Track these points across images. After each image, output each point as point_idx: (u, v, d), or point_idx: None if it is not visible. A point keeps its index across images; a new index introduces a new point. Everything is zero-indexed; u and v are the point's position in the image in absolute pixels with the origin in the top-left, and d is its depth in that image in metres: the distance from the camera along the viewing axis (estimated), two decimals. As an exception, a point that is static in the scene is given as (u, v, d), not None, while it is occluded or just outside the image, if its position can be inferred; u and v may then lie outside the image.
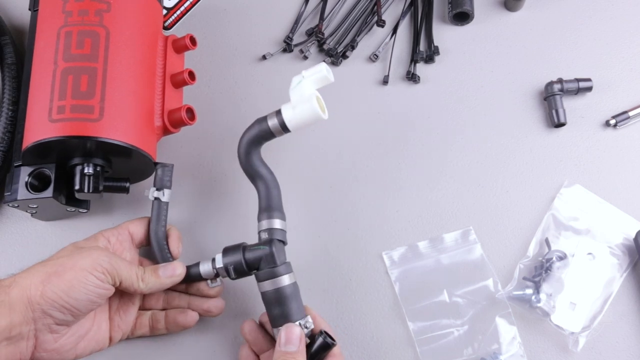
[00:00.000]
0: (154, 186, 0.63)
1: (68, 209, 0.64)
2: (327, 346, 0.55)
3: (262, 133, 0.60)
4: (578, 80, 0.72)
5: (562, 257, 0.65)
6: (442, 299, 0.64)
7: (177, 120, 0.63)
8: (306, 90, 0.58)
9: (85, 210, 0.65)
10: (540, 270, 0.64)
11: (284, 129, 0.59)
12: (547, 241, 0.66)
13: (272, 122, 0.59)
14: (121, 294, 0.58)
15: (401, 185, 0.70)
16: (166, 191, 0.63)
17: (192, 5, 0.78)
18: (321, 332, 0.55)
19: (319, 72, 0.58)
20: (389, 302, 0.65)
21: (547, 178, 0.70)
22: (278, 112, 0.59)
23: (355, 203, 0.69)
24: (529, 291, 0.63)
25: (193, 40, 0.68)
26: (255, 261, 0.58)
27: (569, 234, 0.66)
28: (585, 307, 0.63)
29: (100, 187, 0.60)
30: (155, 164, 0.63)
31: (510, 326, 0.63)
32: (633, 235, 0.65)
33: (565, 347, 0.62)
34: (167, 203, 0.63)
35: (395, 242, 0.67)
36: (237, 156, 0.69)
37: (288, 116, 0.58)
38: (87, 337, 0.56)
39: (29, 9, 0.68)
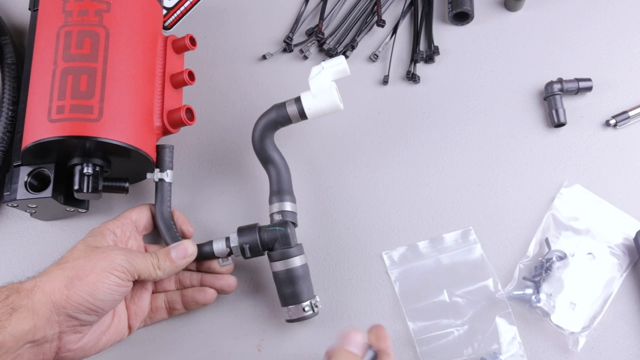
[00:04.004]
0: (157, 167, 0.63)
1: (67, 209, 0.64)
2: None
3: (279, 118, 0.63)
4: (578, 80, 0.72)
5: (562, 257, 0.65)
6: (442, 298, 0.64)
7: (176, 120, 0.63)
8: (325, 81, 0.61)
9: (84, 210, 0.65)
10: (540, 270, 0.64)
11: (302, 116, 0.62)
12: (547, 241, 0.66)
13: (291, 109, 0.62)
14: (134, 282, 0.58)
15: (401, 185, 0.70)
16: (169, 172, 0.64)
17: (192, 5, 0.78)
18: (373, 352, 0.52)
19: (339, 64, 0.61)
20: (389, 302, 0.65)
21: (547, 178, 0.70)
22: (297, 100, 0.63)
23: (355, 203, 0.69)
24: (529, 291, 0.63)
25: (193, 41, 0.68)
26: (271, 242, 0.60)
27: (569, 234, 0.66)
28: (585, 307, 0.63)
29: (99, 187, 0.60)
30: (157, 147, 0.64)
31: (510, 326, 0.63)
32: (633, 235, 0.65)
33: (565, 347, 0.62)
34: (170, 184, 0.64)
35: (395, 242, 0.67)
36: (237, 155, 0.70)
37: (308, 104, 0.62)
38: (109, 331, 0.57)
39: (29, 9, 0.69)
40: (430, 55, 0.75)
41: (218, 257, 0.62)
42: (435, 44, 0.76)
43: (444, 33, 0.77)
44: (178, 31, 0.77)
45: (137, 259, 0.56)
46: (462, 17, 0.77)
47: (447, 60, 0.76)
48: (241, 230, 0.61)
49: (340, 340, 0.52)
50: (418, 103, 0.74)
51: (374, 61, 0.76)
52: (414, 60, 0.75)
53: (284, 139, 0.68)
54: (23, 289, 0.51)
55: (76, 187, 0.59)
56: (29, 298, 0.50)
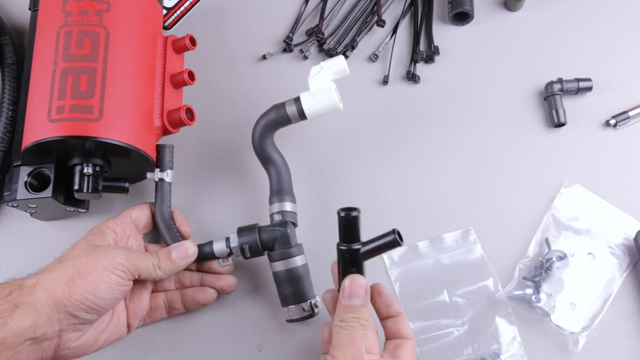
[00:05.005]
0: (157, 167, 0.63)
1: (67, 209, 0.64)
2: (394, 244, 0.50)
3: (279, 118, 0.63)
4: (578, 80, 0.72)
5: (562, 257, 0.65)
6: (442, 299, 0.64)
7: (176, 120, 0.63)
8: (324, 81, 0.61)
9: (84, 210, 0.65)
10: (540, 270, 0.64)
11: (302, 116, 0.63)
12: (547, 241, 0.66)
13: (291, 109, 0.63)
14: (134, 281, 0.58)
15: (401, 185, 0.70)
16: (169, 172, 0.64)
17: (192, 5, 0.78)
18: (394, 231, 0.51)
19: (338, 64, 0.61)
20: (388, 302, 0.65)
21: (547, 178, 0.70)
22: (297, 100, 0.63)
23: (355, 203, 0.69)
24: (529, 291, 0.63)
25: (193, 41, 0.68)
26: (270, 242, 0.60)
27: (569, 234, 0.66)
28: (585, 307, 0.63)
29: (100, 187, 0.60)
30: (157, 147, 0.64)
31: (510, 326, 0.63)
32: (633, 235, 0.65)
33: (565, 347, 0.62)
34: (170, 184, 0.64)
35: (395, 242, 0.67)
36: (237, 155, 0.70)
37: (307, 104, 0.62)
38: (108, 330, 0.57)
39: (29, 9, 0.69)
40: (430, 55, 0.75)
41: (218, 258, 0.62)
42: (435, 44, 0.76)
43: (444, 33, 0.77)
44: (178, 31, 0.77)
45: (138, 259, 0.56)
46: (462, 17, 0.77)
47: (447, 60, 0.76)
48: (241, 231, 0.61)
49: (340, 295, 0.51)
50: (418, 103, 0.74)
51: (374, 61, 0.76)
52: (414, 60, 0.75)
53: (283, 139, 0.68)
54: (25, 285, 0.51)
55: (76, 187, 0.59)
56: (31, 295, 0.50)
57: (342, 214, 0.51)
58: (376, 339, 0.52)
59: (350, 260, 0.52)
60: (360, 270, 0.52)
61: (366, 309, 0.51)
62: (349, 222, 0.51)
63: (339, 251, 0.52)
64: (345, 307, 0.51)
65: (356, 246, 0.52)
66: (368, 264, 0.66)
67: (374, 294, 0.54)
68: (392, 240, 0.50)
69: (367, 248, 0.51)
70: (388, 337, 0.54)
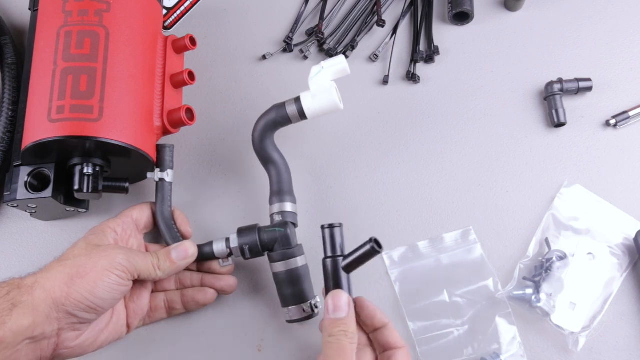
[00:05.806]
0: (157, 167, 0.63)
1: (67, 209, 0.64)
2: (373, 253, 0.52)
3: (279, 118, 0.63)
4: (578, 80, 0.72)
5: (562, 257, 0.65)
6: (442, 298, 0.64)
7: (176, 120, 0.63)
8: (325, 81, 0.61)
9: (84, 210, 0.65)
10: (540, 270, 0.64)
11: (302, 116, 0.62)
12: (547, 241, 0.66)
13: (291, 109, 0.62)
14: (134, 281, 0.58)
15: (401, 185, 0.70)
16: (169, 171, 0.64)
17: (192, 5, 0.78)
18: (371, 239, 0.52)
19: (339, 63, 0.61)
20: (389, 302, 0.65)
21: (547, 178, 0.70)
22: (297, 100, 0.62)
23: (355, 203, 0.69)
24: (529, 291, 0.63)
25: (193, 41, 0.68)
26: (271, 242, 0.60)
27: (569, 234, 0.66)
28: (585, 307, 0.63)
29: (100, 187, 0.60)
30: (157, 147, 0.64)
31: (510, 326, 0.63)
32: (633, 235, 0.65)
33: (565, 347, 0.62)
34: (171, 183, 0.64)
35: (395, 242, 0.67)
36: (237, 155, 0.70)
37: (307, 104, 0.62)
38: (107, 329, 0.57)
39: (29, 9, 0.69)
40: (430, 55, 0.75)
41: (218, 258, 0.62)
42: (435, 44, 0.76)
43: (444, 33, 0.77)
44: (178, 31, 0.77)
45: (138, 259, 0.56)
46: (462, 17, 0.77)
47: (447, 60, 0.76)
48: (241, 231, 0.61)
49: (325, 312, 0.53)
50: (418, 103, 0.74)
51: (374, 61, 0.76)
52: (414, 60, 0.75)
53: (283, 139, 0.68)
54: (24, 285, 0.51)
55: (76, 187, 0.59)
56: (30, 294, 0.50)
57: (325, 226, 0.56)
58: (373, 356, 0.54)
59: (334, 272, 0.55)
60: (342, 284, 0.55)
61: (352, 322, 0.52)
62: (328, 235, 0.56)
63: (323, 264, 0.56)
64: (331, 321, 0.52)
65: (337, 258, 0.55)
66: (368, 265, 0.66)
67: (357, 308, 0.55)
68: (370, 250, 0.52)
69: (347, 260, 0.54)
70: (379, 351, 0.55)
